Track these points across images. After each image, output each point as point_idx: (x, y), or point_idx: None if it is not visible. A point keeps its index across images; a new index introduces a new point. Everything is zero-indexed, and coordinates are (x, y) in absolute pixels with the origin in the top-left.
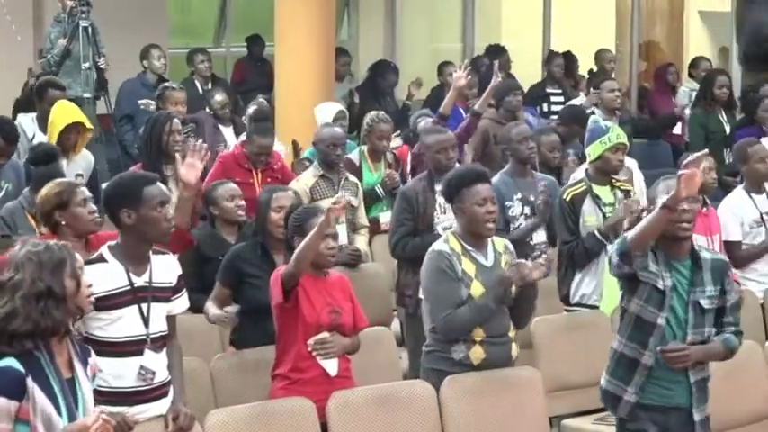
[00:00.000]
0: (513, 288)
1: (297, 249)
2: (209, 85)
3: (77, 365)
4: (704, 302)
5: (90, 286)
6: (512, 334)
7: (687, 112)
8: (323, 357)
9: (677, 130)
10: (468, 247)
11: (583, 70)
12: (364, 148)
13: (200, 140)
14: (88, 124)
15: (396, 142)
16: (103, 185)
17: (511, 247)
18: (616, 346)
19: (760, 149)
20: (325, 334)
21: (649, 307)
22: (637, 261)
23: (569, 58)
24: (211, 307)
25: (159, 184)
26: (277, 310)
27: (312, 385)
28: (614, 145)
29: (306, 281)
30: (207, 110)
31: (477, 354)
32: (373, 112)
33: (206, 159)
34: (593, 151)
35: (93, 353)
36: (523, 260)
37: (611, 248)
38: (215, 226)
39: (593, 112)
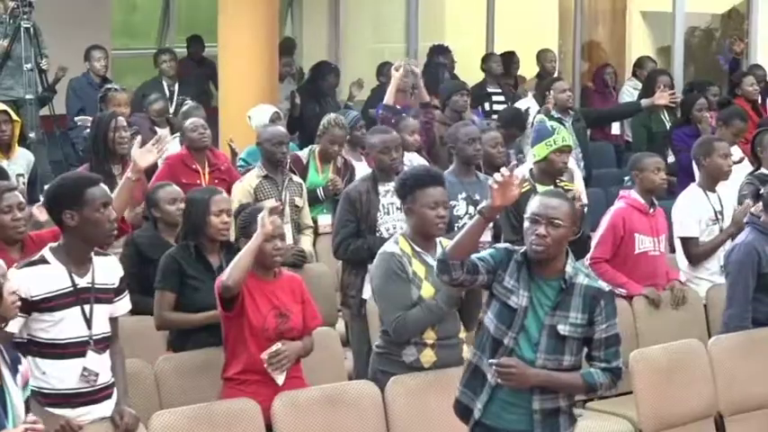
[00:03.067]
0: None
1: (233, 261)
2: (177, 86)
3: (5, 373)
4: (562, 328)
5: (14, 293)
6: (462, 336)
7: None
8: (278, 371)
9: (616, 129)
10: (418, 249)
11: (526, 70)
12: (316, 147)
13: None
14: (14, 116)
15: None
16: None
17: None
18: (470, 357)
19: (725, 146)
20: (277, 345)
21: (499, 324)
22: (456, 271)
23: (509, 58)
24: (173, 314)
25: (102, 185)
26: (222, 314)
27: (262, 386)
28: (559, 147)
29: (252, 284)
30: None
31: (427, 357)
32: (333, 115)
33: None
34: (538, 152)
35: (24, 360)
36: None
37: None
38: (157, 228)
39: (547, 112)
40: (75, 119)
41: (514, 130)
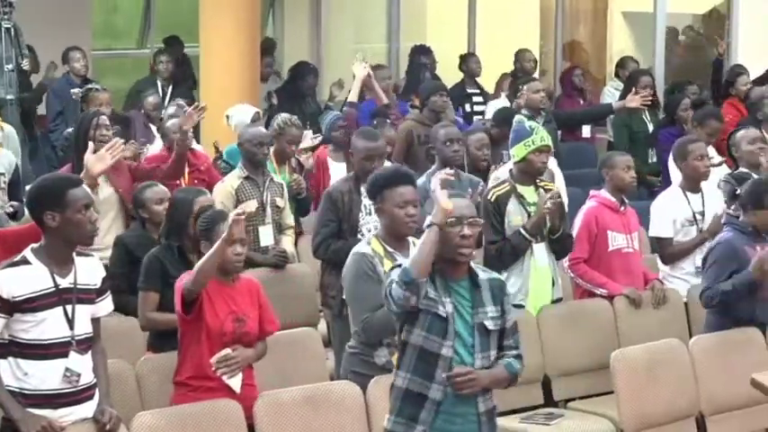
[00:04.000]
0: None
1: (197, 265)
2: (171, 87)
3: None
4: (488, 324)
5: None
6: None
7: None
8: (227, 375)
9: (586, 132)
10: (390, 249)
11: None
12: (271, 148)
13: (130, 141)
14: None
15: (307, 142)
16: (27, 187)
17: None
18: (400, 383)
19: (700, 147)
20: (227, 350)
21: (432, 336)
22: (422, 289)
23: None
24: (157, 314)
25: (84, 187)
26: (179, 317)
27: (214, 392)
28: (538, 147)
29: (211, 287)
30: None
31: None
32: (285, 115)
33: (119, 158)
34: (517, 152)
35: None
36: None
37: (392, 284)
38: (145, 227)
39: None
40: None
41: (508, 129)
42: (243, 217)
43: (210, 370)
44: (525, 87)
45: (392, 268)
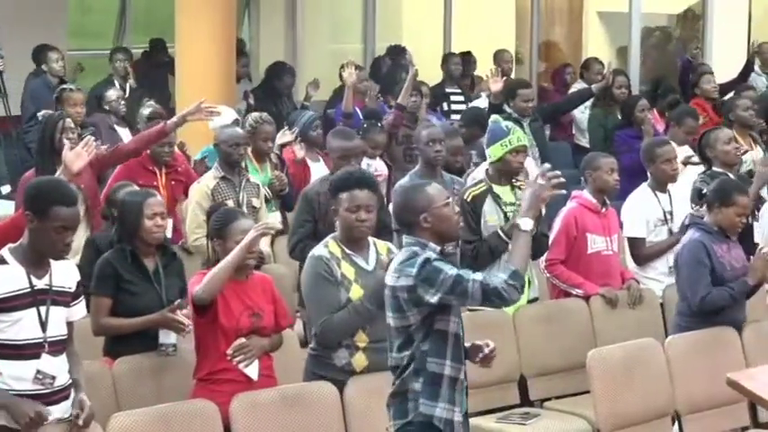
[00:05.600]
0: None
1: (210, 273)
2: (128, 85)
3: None
4: None
5: None
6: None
7: (582, 111)
8: (243, 364)
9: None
10: (348, 251)
11: (483, 71)
12: (248, 149)
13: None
14: None
15: (285, 138)
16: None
17: (395, 249)
18: (444, 371)
19: (669, 150)
20: (241, 340)
21: (457, 319)
22: None
23: (466, 59)
24: (111, 320)
25: (76, 208)
26: (193, 319)
27: (234, 385)
28: (515, 147)
29: (226, 286)
30: (106, 107)
31: (359, 361)
32: (256, 114)
33: (94, 155)
34: (493, 153)
35: None
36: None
37: (488, 285)
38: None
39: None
40: (38, 114)
41: (476, 129)
42: (271, 232)
43: (228, 363)
44: (517, 93)
45: (458, 274)
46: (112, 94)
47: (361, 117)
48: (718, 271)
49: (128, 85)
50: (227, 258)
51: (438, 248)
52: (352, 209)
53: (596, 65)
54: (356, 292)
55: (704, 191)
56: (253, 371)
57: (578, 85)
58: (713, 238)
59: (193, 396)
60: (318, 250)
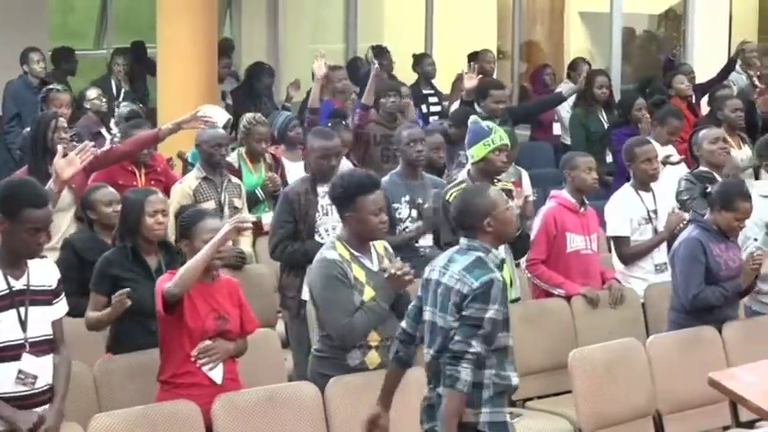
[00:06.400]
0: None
1: (182, 269)
2: (123, 89)
3: None
4: None
5: None
6: None
7: (568, 111)
8: (208, 367)
9: (557, 130)
10: (356, 253)
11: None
12: (242, 150)
13: (91, 143)
14: None
15: None
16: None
17: (390, 249)
18: (490, 380)
19: (648, 150)
20: (206, 342)
21: (505, 333)
22: None
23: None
24: (95, 314)
25: (48, 208)
26: (160, 317)
27: (197, 389)
28: (498, 146)
29: (192, 287)
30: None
31: (372, 358)
32: (250, 114)
33: (87, 161)
34: (476, 152)
35: None
36: (400, 264)
37: None
38: (93, 230)
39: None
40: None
41: (466, 129)
42: (245, 226)
43: (192, 366)
44: (489, 95)
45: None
46: (92, 93)
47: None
48: (713, 270)
49: (123, 89)
50: (201, 253)
51: (501, 256)
52: (377, 211)
53: (583, 65)
54: (369, 294)
55: (709, 189)
56: (217, 374)
57: (565, 86)
58: (711, 236)
59: (157, 400)
60: (329, 254)
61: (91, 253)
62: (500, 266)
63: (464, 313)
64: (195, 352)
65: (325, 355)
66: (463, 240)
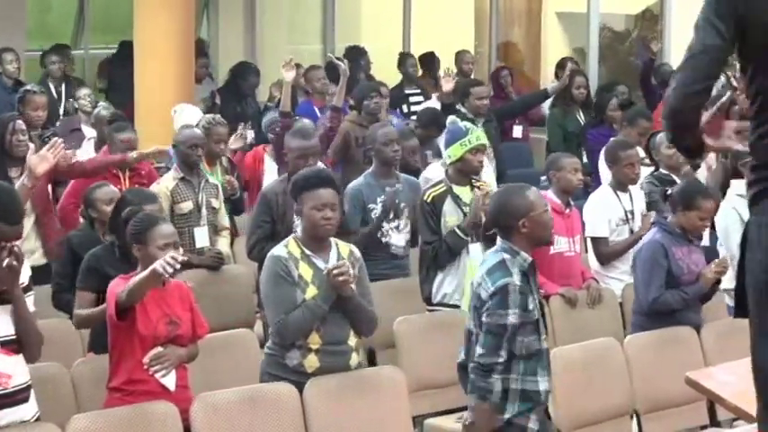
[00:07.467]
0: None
1: (130, 284)
2: (63, 87)
3: None
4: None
5: None
6: (352, 342)
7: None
8: (160, 374)
9: (517, 133)
10: (308, 252)
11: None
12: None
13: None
14: None
15: (238, 143)
16: None
17: (357, 253)
18: (515, 386)
19: (632, 155)
20: (158, 349)
21: (533, 337)
22: None
23: (429, 59)
24: (85, 312)
25: (16, 228)
26: (110, 322)
27: (148, 397)
28: (475, 146)
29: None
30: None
31: (311, 362)
32: (209, 115)
33: (61, 157)
34: (453, 153)
35: None
36: (341, 263)
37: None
38: (93, 228)
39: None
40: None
41: (433, 130)
42: (168, 270)
43: (144, 373)
44: (471, 92)
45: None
46: (84, 92)
47: (318, 116)
48: (675, 273)
49: (63, 87)
50: (146, 273)
51: (529, 259)
52: (318, 207)
53: (570, 64)
54: (312, 293)
55: (669, 191)
56: (170, 381)
57: (553, 86)
58: (674, 239)
59: (105, 407)
60: (277, 250)
61: (87, 250)
62: (528, 271)
63: (485, 320)
64: (147, 359)
65: (271, 353)
66: (499, 240)
